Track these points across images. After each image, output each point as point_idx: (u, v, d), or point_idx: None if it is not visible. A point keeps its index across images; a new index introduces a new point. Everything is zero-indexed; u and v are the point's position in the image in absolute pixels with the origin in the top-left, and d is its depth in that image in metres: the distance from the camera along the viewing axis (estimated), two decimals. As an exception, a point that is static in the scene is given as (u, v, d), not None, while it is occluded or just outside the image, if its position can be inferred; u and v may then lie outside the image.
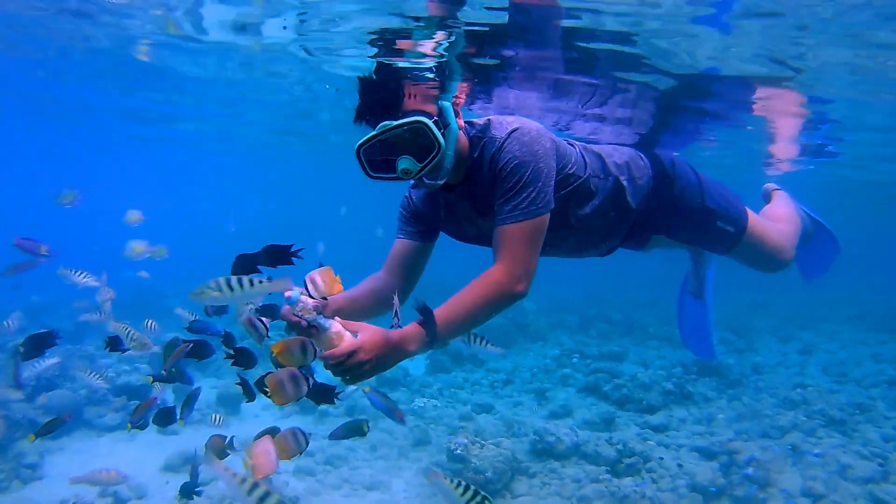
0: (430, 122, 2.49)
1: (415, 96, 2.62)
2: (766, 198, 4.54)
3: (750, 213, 3.73)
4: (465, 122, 2.84)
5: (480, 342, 3.45)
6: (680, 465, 6.77)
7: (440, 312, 2.48)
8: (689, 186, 3.50)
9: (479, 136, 2.79)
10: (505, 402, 9.43)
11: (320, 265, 2.79)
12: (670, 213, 3.46)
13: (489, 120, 2.83)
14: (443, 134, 2.56)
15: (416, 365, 10.88)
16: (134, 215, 8.94)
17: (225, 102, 11.13)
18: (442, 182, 2.70)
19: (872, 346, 12.60)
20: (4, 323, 6.47)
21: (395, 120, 2.50)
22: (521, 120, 2.76)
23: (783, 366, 11.44)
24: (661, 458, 6.86)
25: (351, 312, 2.82)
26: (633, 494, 5.96)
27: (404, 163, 2.54)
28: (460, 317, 2.51)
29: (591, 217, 3.08)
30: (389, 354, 2.39)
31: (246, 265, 2.83)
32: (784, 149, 9.62)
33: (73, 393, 8.38)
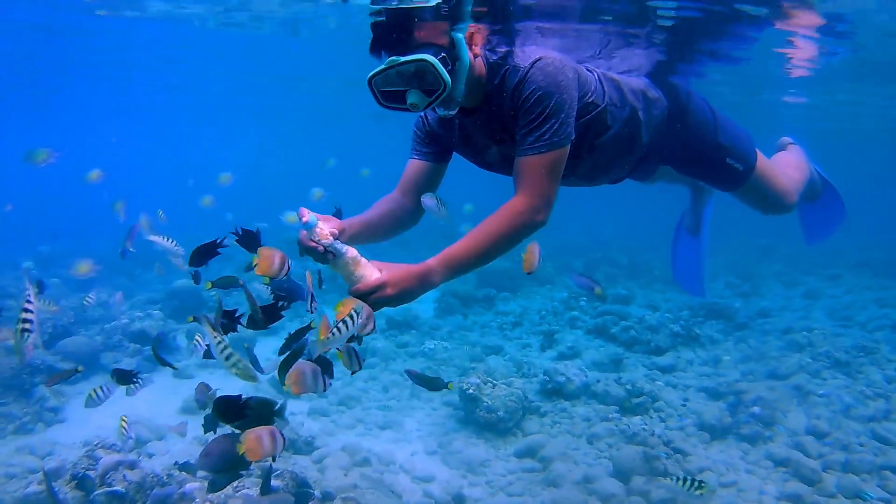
0: (434, 61, 2.47)
1: (428, 29, 2.62)
2: (780, 149, 4.54)
3: (759, 153, 3.74)
4: (485, 48, 2.83)
5: None
6: (685, 401, 6.93)
7: (464, 242, 2.56)
8: (703, 120, 3.52)
9: (500, 63, 2.78)
10: (514, 344, 9.56)
11: (337, 211, 2.81)
12: (681, 146, 3.48)
13: (512, 48, 2.81)
14: (451, 69, 2.56)
15: (425, 308, 11.00)
16: (95, 173, 9.14)
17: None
18: (454, 112, 2.73)
19: (877, 292, 12.63)
20: None
21: (404, 54, 2.50)
22: (543, 49, 2.76)
23: (788, 309, 11.52)
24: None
25: (366, 236, 2.89)
26: (641, 432, 6.09)
27: (412, 97, 2.56)
28: (483, 246, 2.58)
29: (605, 146, 3.10)
30: (415, 287, 2.46)
31: (204, 254, 3.12)
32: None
33: (89, 339, 8.52)
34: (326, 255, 2.41)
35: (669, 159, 3.59)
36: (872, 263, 14.78)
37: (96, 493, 4.86)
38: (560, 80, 2.65)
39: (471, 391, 6.64)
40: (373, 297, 2.38)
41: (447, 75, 2.50)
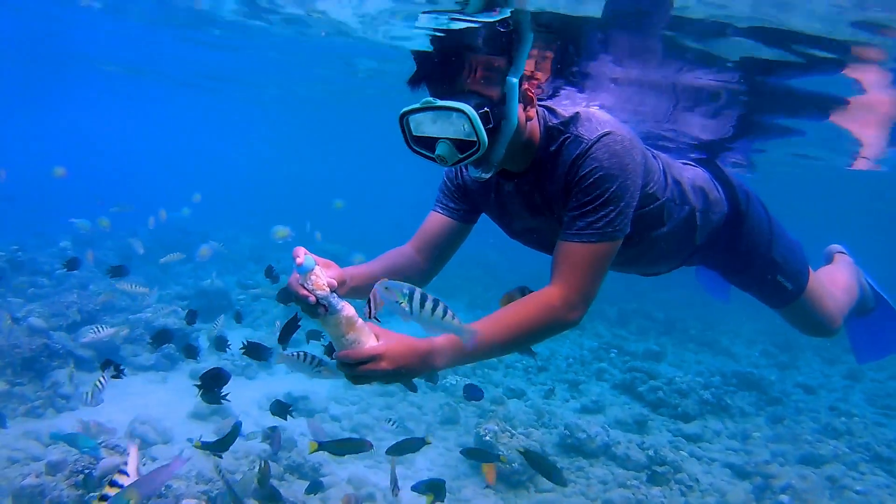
0: (473, 114, 2.14)
1: (478, 72, 2.29)
2: (828, 259, 4.17)
3: (811, 272, 3.41)
4: (545, 107, 2.53)
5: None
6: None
7: (481, 327, 2.16)
8: (758, 229, 3.20)
9: (560, 130, 2.45)
10: (537, 390, 9.28)
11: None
12: (731, 254, 3.18)
13: (577, 113, 2.47)
14: (494, 128, 2.24)
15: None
16: (59, 170, 11.23)
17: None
18: (488, 176, 2.40)
19: (923, 380, 12.11)
20: None
21: (444, 97, 2.19)
22: (613, 122, 2.43)
23: (826, 388, 11.05)
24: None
25: (368, 291, 2.54)
26: (660, 506, 5.79)
27: (441, 148, 2.25)
28: (502, 337, 2.20)
29: (654, 242, 2.79)
30: (414, 367, 2.06)
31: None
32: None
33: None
34: (317, 309, 2.02)
35: (714, 265, 3.32)
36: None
37: (91, 495, 4.73)
38: (627, 162, 2.32)
39: (487, 438, 6.40)
40: (363, 367, 1.99)
41: (484, 134, 2.17)
